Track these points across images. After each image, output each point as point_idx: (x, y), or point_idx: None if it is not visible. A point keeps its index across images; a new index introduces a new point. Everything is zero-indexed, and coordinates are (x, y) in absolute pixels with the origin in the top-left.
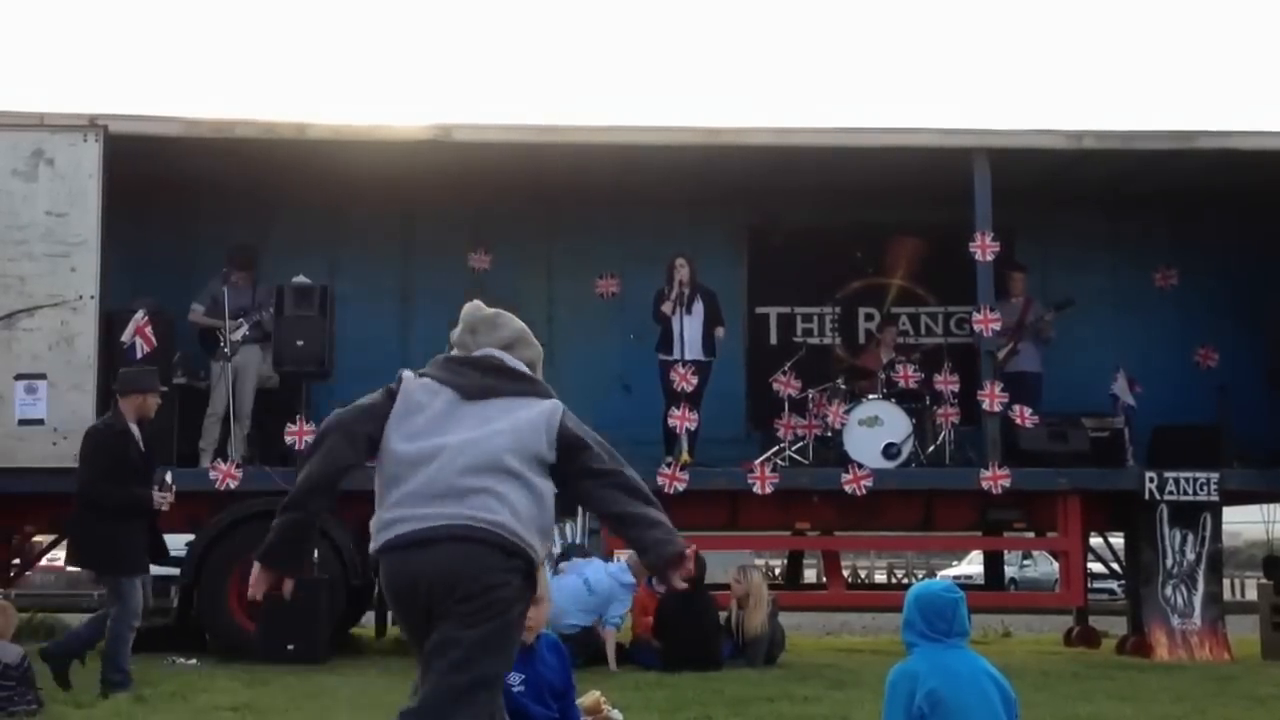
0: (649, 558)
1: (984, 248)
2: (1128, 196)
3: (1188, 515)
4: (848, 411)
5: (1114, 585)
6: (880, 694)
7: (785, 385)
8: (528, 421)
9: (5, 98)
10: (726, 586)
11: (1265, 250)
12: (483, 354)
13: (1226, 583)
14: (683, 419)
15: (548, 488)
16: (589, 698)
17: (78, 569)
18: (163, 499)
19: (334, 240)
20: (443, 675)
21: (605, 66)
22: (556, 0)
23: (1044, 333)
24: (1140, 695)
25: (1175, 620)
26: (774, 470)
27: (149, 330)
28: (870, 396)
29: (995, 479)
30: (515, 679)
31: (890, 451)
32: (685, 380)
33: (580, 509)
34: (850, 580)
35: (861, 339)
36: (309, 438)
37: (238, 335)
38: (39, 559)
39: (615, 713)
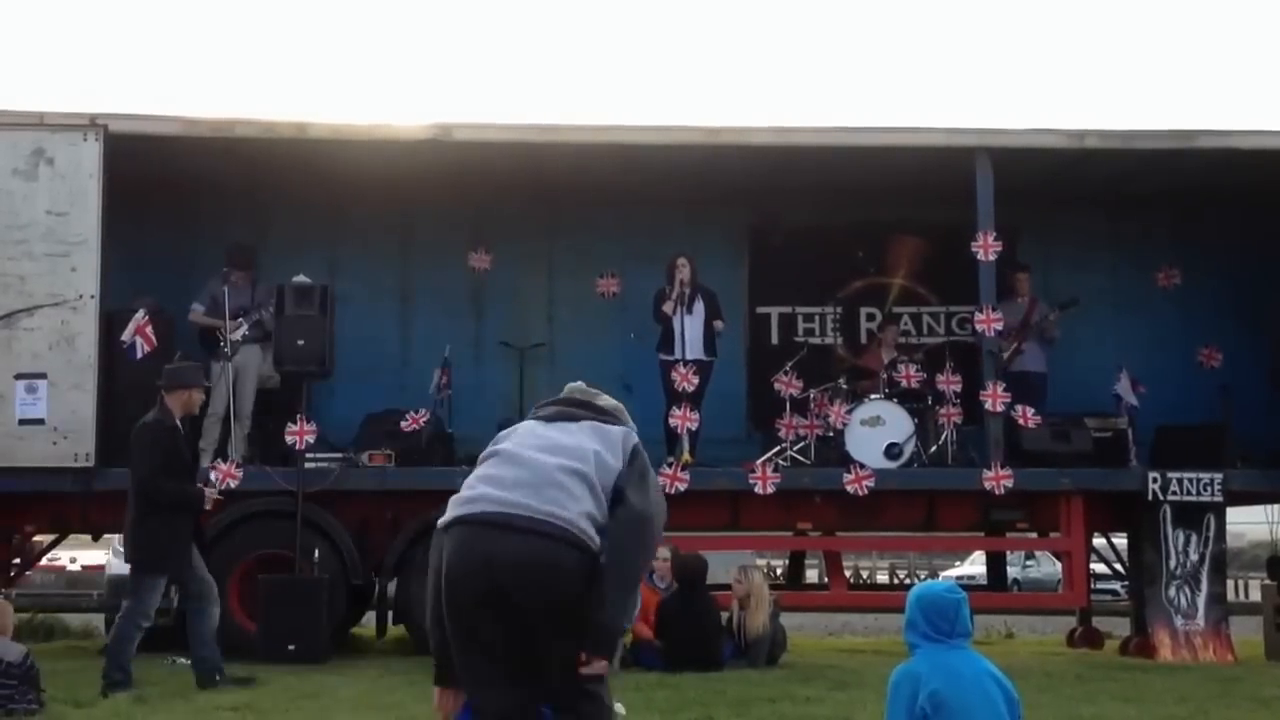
0: (590, 632)
1: (986, 247)
2: (1130, 196)
3: (1191, 516)
4: (849, 411)
5: (1117, 586)
6: (883, 695)
7: (787, 385)
8: (606, 434)
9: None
10: (728, 587)
11: (1268, 250)
12: (566, 394)
13: (1230, 584)
14: (684, 419)
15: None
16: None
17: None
18: (212, 495)
19: (334, 240)
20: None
21: (605, 66)
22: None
23: (1048, 332)
24: (1144, 696)
25: (1179, 621)
26: (775, 470)
27: (149, 330)
28: (872, 396)
29: (998, 479)
30: None
31: (892, 451)
32: (686, 380)
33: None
34: (852, 581)
35: (863, 339)
36: (309, 437)
37: (238, 335)
38: (39, 558)
39: (619, 706)
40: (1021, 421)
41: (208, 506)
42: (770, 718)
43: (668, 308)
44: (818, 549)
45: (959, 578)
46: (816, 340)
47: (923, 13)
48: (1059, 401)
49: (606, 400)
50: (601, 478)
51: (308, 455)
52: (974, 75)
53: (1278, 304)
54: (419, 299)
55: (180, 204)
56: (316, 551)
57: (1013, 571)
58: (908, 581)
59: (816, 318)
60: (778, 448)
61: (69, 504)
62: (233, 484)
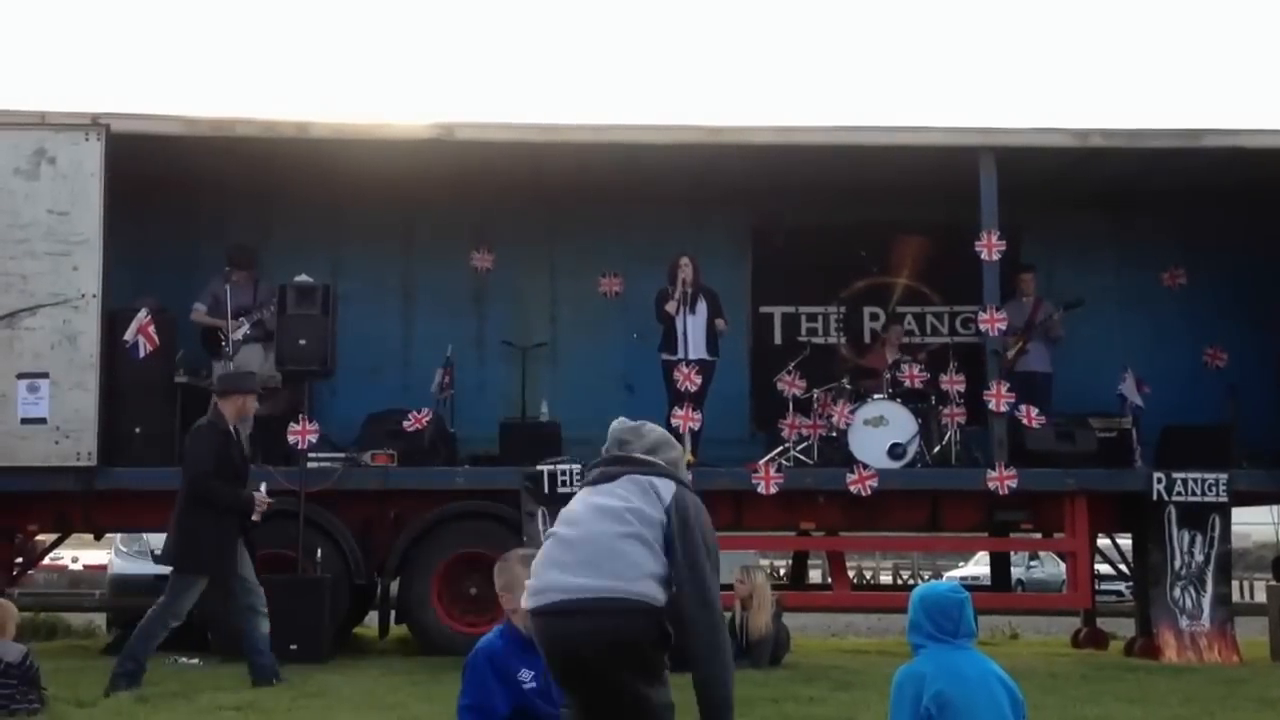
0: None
1: (990, 247)
2: (1135, 195)
3: (1196, 516)
4: (853, 411)
5: (1122, 587)
6: (886, 695)
7: (790, 385)
8: (643, 487)
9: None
10: (730, 587)
11: (1274, 249)
12: (611, 452)
13: (1235, 584)
14: (686, 419)
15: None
16: None
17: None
18: (263, 503)
19: (336, 239)
20: None
21: (608, 65)
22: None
23: (1053, 332)
24: (1149, 697)
25: (1184, 622)
26: (779, 470)
27: (151, 329)
28: (876, 396)
29: (1002, 479)
30: (527, 675)
31: (896, 452)
32: (689, 380)
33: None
34: (856, 581)
35: (867, 339)
36: (311, 437)
37: (239, 334)
38: (42, 558)
39: None
40: (1026, 422)
41: (258, 514)
42: (774, 718)
43: (670, 308)
44: (821, 549)
45: (963, 578)
46: (820, 340)
47: (926, 12)
48: (1064, 401)
49: (648, 440)
50: (650, 531)
51: (310, 455)
52: (978, 75)
53: None
54: (421, 298)
55: (182, 203)
56: (319, 551)
57: (1017, 572)
58: (911, 582)
59: (820, 317)
60: (781, 448)
61: (71, 503)
62: None
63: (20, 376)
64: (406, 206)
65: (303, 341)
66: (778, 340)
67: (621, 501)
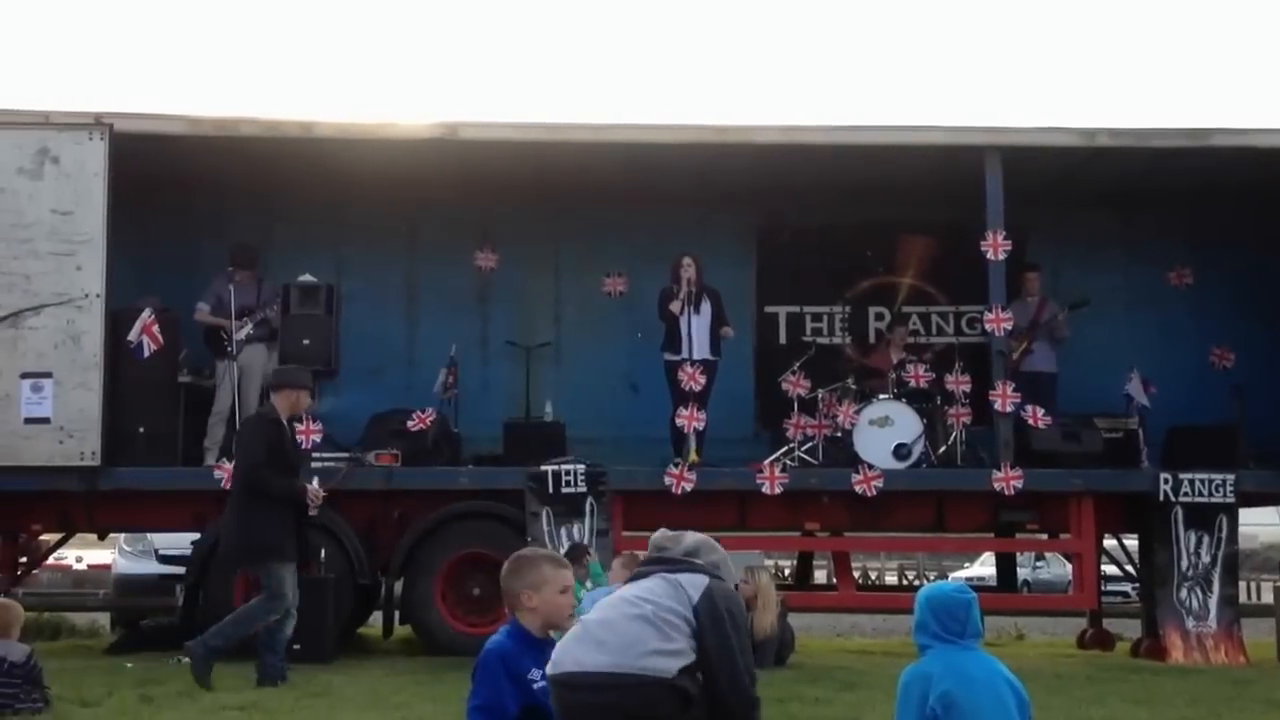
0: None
1: (996, 246)
2: (1142, 195)
3: (1203, 517)
4: (858, 411)
5: (1128, 588)
6: (892, 695)
7: (794, 385)
8: (668, 581)
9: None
10: (735, 587)
11: None
12: (656, 554)
13: (1242, 585)
14: (691, 418)
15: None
16: None
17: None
18: (317, 495)
19: (340, 239)
20: None
21: (613, 65)
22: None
23: (1058, 332)
24: (1155, 699)
25: (1190, 623)
26: (783, 470)
27: (156, 329)
28: (881, 396)
29: (1007, 480)
30: (536, 674)
31: (901, 452)
32: (694, 380)
33: (588, 512)
34: (860, 582)
35: (872, 338)
36: (315, 436)
37: (242, 334)
38: (46, 557)
39: None
40: (1031, 422)
41: (313, 508)
42: (778, 718)
43: (675, 307)
44: (826, 550)
45: (968, 579)
46: (825, 340)
47: (932, 11)
48: (1070, 402)
49: (684, 545)
50: (663, 614)
51: (314, 455)
52: (984, 74)
53: None
54: (425, 298)
55: (185, 203)
56: (323, 551)
57: (1023, 573)
58: (917, 583)
59: (825, 317)
60: (786, 448)
61: (75, 503)
62: None
63: (24, 376)
64: (410, 206)
65: (306, 341)
66: (782, 340)
67: (642, 592)
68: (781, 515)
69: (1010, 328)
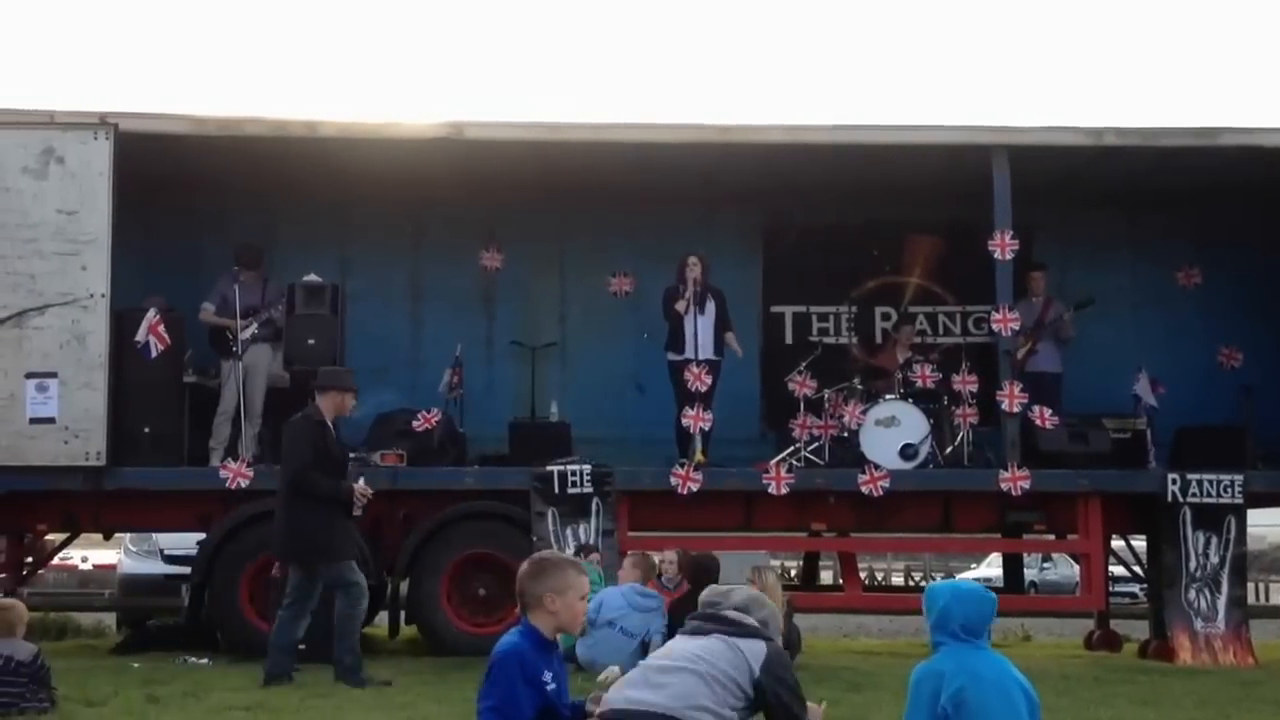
0: None
1: (1003, 246)
2: (1149, 194)
3: (1211, 518)
4: (864, 412)
5: (1136, 588)
6: (898, 696)
7: (801, 385)
8: (727, 646)
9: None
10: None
11: None
12: (708, 609)
13: (1250, 586)
14: (697, 419)
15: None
16: (610, 673)
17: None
18: (364, 495)
19: (345, 238)
20: None
21: (617, 65)
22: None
23: (1063, 332)
24: (1163, 700)
25: (1198, 624)
26: (789, 471)
27: (161, 328)
28: (887, 396)
29: (1015, 480)
30: (548, 676)
31: (908, 452)
32: (700, 380)
33: (594, 512)
34: (867, 582)
35: (878, 338)
36: None
37: (247, 334)
38: (51, 557)
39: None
40: (1039, 422)
41: (359, 508)
42: None
43: (680, 307)
44: (832, 550)
45: (975, 580)
46: (831, 340)
47: (939, 10)
48: (1078, 402)
49: (735, 599)
50: (717, 674)
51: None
52: (991, 74)
53: None
54: (430, 298)
55: (190, 203)
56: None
57: (1030, 574)
58: (923, 583)
59: (831, 317)
60: (792, 448)
61: (80, 503)
62: (244, 483)
63: (29, 376)
64: (416, 206)
65: (311, 341)
66: (789, 340)
67: (702, 651)
68: (788, 516)
69: (1017, 328)
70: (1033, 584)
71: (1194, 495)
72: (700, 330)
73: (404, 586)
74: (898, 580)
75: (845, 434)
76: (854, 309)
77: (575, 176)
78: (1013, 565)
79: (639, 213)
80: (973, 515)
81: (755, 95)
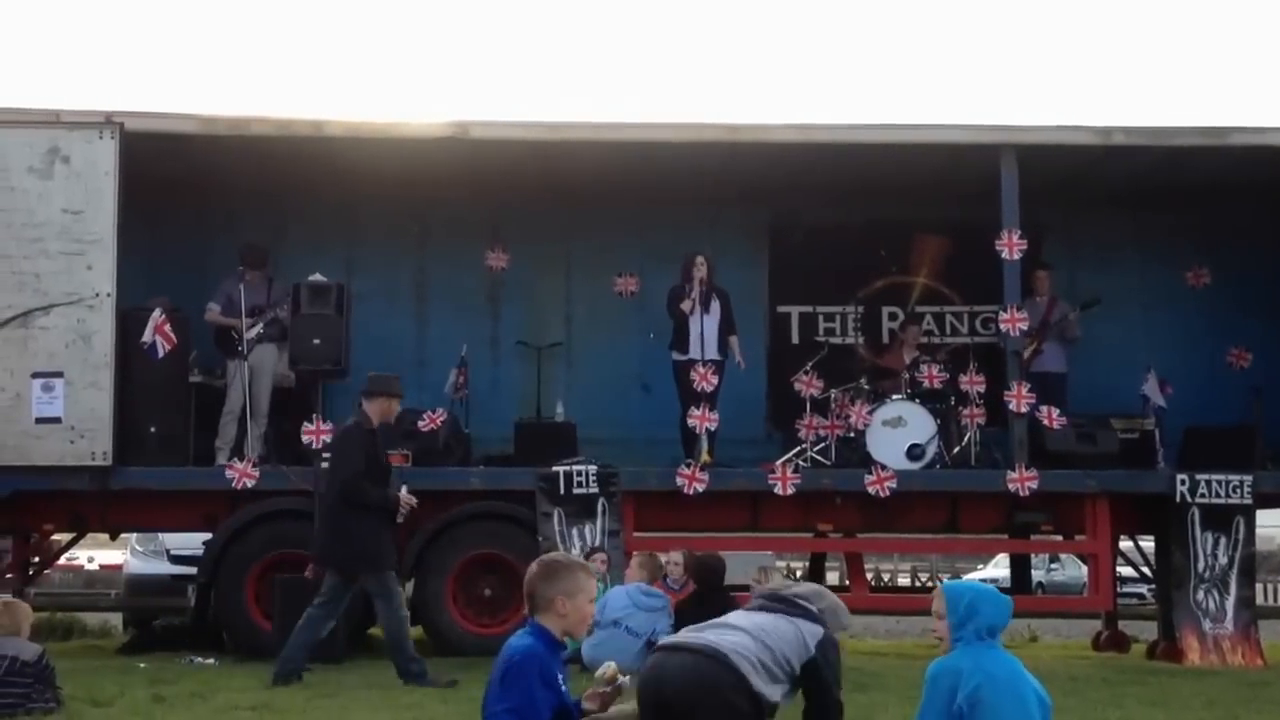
0: None
1: (1011, 246)
2: (1158, 194)
3: (1220, 518)
4: (871, 412)
5: (1144, 589)
6: (904, 697)
7: (807, 385)
8: (794, 626)
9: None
10: (747, 588)
11: None
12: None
13: (1259, 587)
14: (703, 419)
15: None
16: (607, 669)
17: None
18: (408, 504)
19: (350, 238)
20: None
21: (624, 64)
22: None
23: (1069, 332)
24: (1171, 701)
25: (1207, 625)
26: (796, 471)
27: (168, 328)
28: (894, 397)
29: (1022, 481)
30: (560, 678)
31: (914, 452)
32: (706, 380)
33: (600, 512)
34: (873, 583)
35: (885, 338)
36: (325, 436)
37: (253, 334)
38: (57, 557)
39: (625, 680)
40: (1047, 422)
41: (402, 516)
42: (791, 718)
43: (685, 306)
44: (838, 551)
45: (982, 580)
46: (837, 340)
47: (946, 10)
48: (1085, 402)
49: (798, 590)
50: (773, 647)
51: (324, 455)
52: (999, 73)
53: None
54: (435, 298)
55: (196, 202)
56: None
57: (1037, 574)
58: (930, 585)
59: (837, 317)
60: (798, 448)
61: (86, 503)
62: (249, 483)
63: (35, 376)
64: (421, 205)
65: (316, 341)
66: (795, 340)
67: (764, 622)
68: (794, 516)
69: (1024, 328)
70: (1040, 585)
71: (1203, 496)
72: (705, 330)
73: (410, 587)
74: (904, 581)
75: (852, 434)
76: (861, 309)
77: (581, 176)
78: (1020, 566)
79: (645, 213)
80: (980, 516)
81: (762, 94)
